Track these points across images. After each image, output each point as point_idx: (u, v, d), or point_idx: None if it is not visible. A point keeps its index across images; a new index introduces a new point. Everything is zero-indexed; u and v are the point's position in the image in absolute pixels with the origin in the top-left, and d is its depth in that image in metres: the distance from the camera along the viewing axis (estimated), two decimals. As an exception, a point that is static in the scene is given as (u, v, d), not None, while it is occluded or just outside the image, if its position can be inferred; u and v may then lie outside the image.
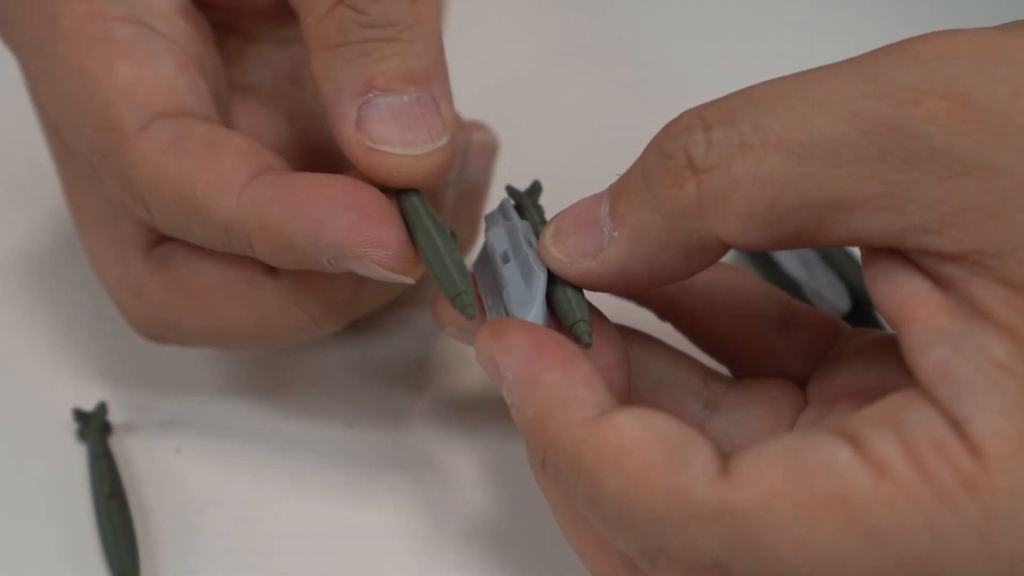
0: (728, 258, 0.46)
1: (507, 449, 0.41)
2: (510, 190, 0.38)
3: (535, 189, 0.39)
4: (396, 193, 0.35)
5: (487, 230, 0.36)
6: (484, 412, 0.42)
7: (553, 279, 0.34)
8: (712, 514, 0.28)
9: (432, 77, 0.35)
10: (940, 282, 0.29)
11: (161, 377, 0.43)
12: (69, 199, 0.40)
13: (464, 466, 0.40)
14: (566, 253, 0.33)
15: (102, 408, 0.41)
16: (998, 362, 0.28)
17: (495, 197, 0.41)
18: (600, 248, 0.32)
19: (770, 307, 0.37)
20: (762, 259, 0.46)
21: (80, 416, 0.41)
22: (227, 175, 0.34)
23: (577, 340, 0.33)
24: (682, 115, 0.31)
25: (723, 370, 0.37)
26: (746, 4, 0.57)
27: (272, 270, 0.37)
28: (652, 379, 0.36)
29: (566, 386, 0.31)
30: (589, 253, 0.32)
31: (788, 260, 0.44)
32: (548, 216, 0.36)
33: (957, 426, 0.28)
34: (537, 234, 0.36)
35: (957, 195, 0.28)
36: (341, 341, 0.43)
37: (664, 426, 0.30)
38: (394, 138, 0.34)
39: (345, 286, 0.37)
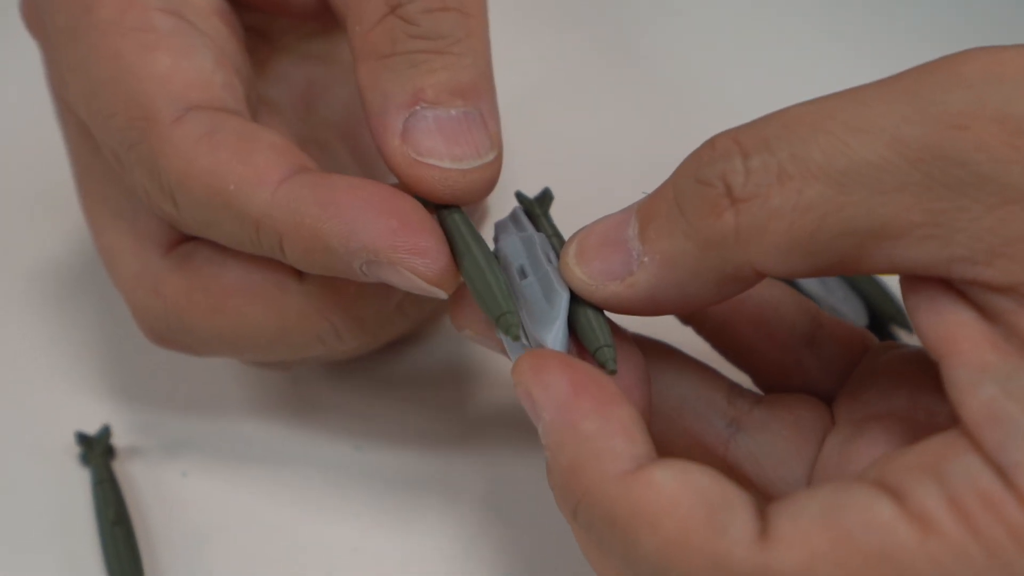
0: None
1: (518, 474, 0.40)
2: (520, 197, 0.37)
3: (546, 198, 0.38)
4: (436, 208, 0.34)
5: (498, 239, 0.35)
6: (494, 434, 0.41)
7: (574, 298, 0.33)
8: None
9: (481, 92, 0.35)
10: (987, 313, 0.28)
11: (166, 399, 0.42)
12: (85, 197, 0.39)
13: (474, 490, 0.40)
14: (591, 275, 0.32)
15: (106, 431, 0.40)
16: None
17: (497, 209, 0.40)
18: (628, 272, 0.31)
19: (799, 318, 0.36)
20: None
21: (83, 440, 0.40)
22: (262, 170, 0.33)
23: (601, 366, 0.32)
24: (716, 139, 0.30)
25: (745, 380, 0.37)
26: (768, 15, 0.57)
27: (299, 274, 0.36)
28: (676, 396, 0.35)
29: (603, 436, 0.30)
30: (616, 276, 0.31)
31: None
32: (560, 228, 0.35)
33: (1004, 474, 0.27)
34: (554, 247, 0.35)
35: (1008, 224, 0.27)
36: (349, 364, 0.43)
37: (703, 483, 0.29)
38: (441, 151, 0.34)
39: (372, 300, 0.36)
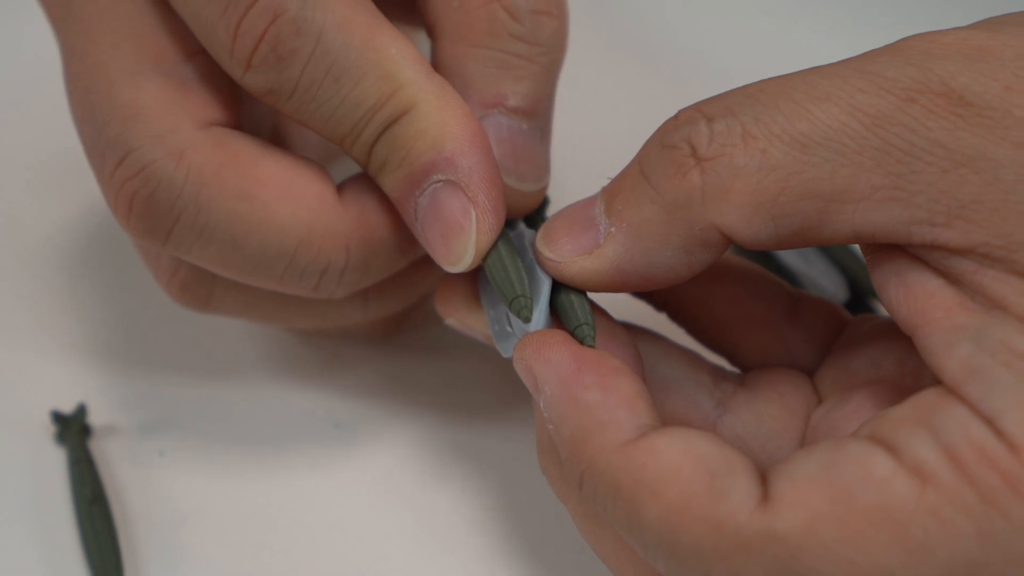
0: (729, 251, 0.46)
1: (501, 450, 0.40)
2: None
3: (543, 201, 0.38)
4: None
5: None
6: (477, 412, 0.41)
7: (558, 286, 0.33)
8: (757, 543, 0.28)
9: (548, 111, 0.35)
10: (950, 278, 0.29)
11: (142, 377, 0.42)
12: (89, 51, 0.35)
13: (456, 466, 0.40)
14: (559, 253, 0.32)
15: (81, 410, 0.40)
16: (1021, 354, 0.27)
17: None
18: (596, 245, 0.32)
19: (776, 292, 0.36)
20: (760, 251, 0.45)
21: (58, 418, 0.40)
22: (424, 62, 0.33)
23: (580, 343, 0.32)
24: (680, 112, 0.31)
25: (727, 367, 0.37)
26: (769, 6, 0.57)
27: (339, 194, 0.35)
28: (664, 378, 0.35)
29: (605, 407, 0.30)
30: (584, 251, 0.32)
31: (785, 251, 0.44)
32: None
33: (992, 424, 0.27)
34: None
35: (961, 187, 0.28)
36: (330, 339, 0.42)
37: (704, 449, 0.29)
38: (508, 166, 0.34)
39: (391, 251, 0.35)
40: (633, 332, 0.35)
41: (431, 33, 0.36)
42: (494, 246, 0.33)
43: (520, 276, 0.33)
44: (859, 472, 0.27)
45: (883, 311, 0.43)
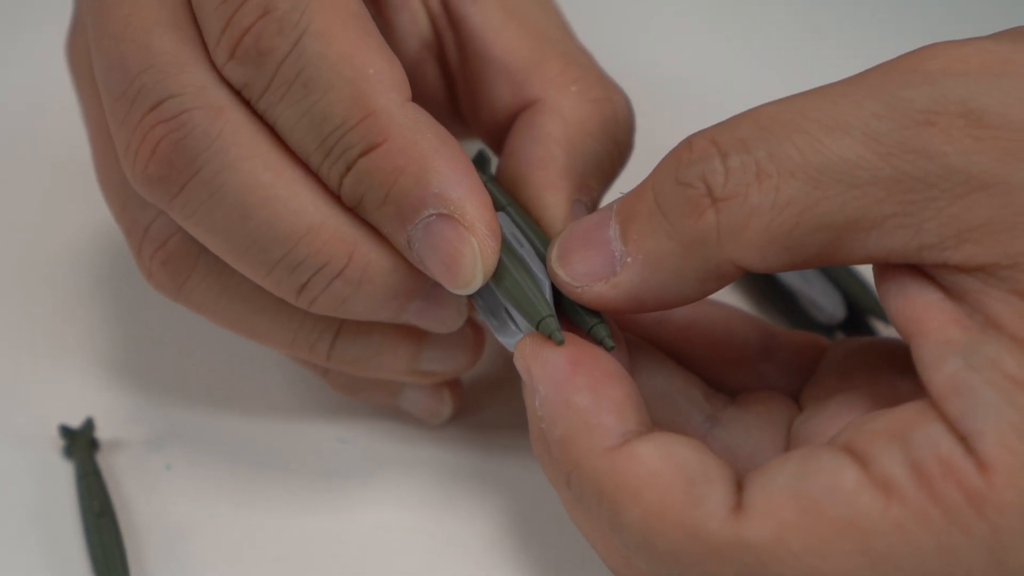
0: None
1: (505, 461, 0.40)
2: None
3: (482, 159, 0.38)
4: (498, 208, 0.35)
5: None
6: (480, 422, 0.41)
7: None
8: (728, 550, 0.29)
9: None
10: (953, 294, 0.29)
11: (149, 392, 0.42)
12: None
13: (460, 480, 0.40)
14: (575, 277, 0.33)
15: (89, 424, 0.40)
16: (1009, 375, 0.28)
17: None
18: (612, 272, 0.32)
19: (750, 333, 0.37)
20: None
21: (67, 433, 0.40)
22: (400, 77, 0.33)
23: (599, 343, 0.33)
24: (693, 140, 0.31)
25: None
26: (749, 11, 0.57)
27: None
28: (657, 390, 0.36)
29: (594, 412, 0.31)
30: (600, 278, 0.32)
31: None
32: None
33: (965, 442, 0.28)
34: (515, 222, 0.35)
35: (973, 211, 0.28)
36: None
37: (683, 456, 0.30)
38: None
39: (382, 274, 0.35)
40: (629, 343, 0.36)
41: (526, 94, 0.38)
42: (500, 264, 0.33)
43: (539, 295, 0.33)
44: (828, 484, 0.28)
45: (882, 331, 0.44)
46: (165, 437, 0.41)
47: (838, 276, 0.44)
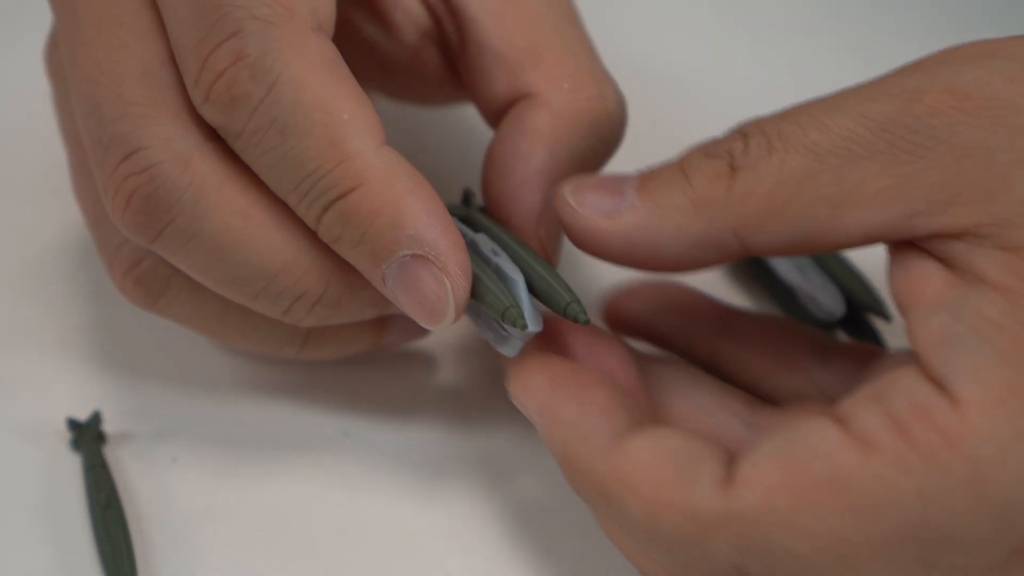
0: (720, 267, 0.47)
1: (508, 453, 0.41)
2: (450, 209, 0.37)
3: (469, 197, 0.39)
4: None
5: None
6: (483, 415, 0.42)
7: (530, 267, 0.35)
8: (721, 523, 0.29)
9: None
10: (947, 262, 0.31)
11: (155, 386, 0.43)
12: (95, 46, 0.35)
13: (464, 471, 0.40)
14: (580, 204, 0.34)
15: (96, 417, 0.40)
16: (990, 320, 0.29)
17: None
18: (616, 211, 0.34)
19: (805, 341, 0.38)
20: (758, 266, 0.46)
21: (74, 426, 0.40)
22: (375, 125, 0.34)
23: (574, 320, 0.34)
24: (725, 133, 0.34)
25: None
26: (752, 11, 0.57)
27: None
28: (693, 403, 0.37)
29: (583, 419, 0.32)
30: (604, 212, 0.34)
31: (783, 266, 0.45)
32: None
33: (940, 385, 0.29)
34: (495, 238, 0.36)
35: (959, 176, 0.30)
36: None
37: (671, 443, 0.31)
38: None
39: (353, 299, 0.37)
40: (666, 362, 0.37)
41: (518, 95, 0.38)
42: (476, 280, 0.34)
43: (501, 288, 0.34)
44: (810, 446, 0.29)
45: (881, 329, 0.44)
46: (171, 430, 0.41)
47: (837, 273, 0.44)
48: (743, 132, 0.33)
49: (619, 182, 0.34)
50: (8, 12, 0.56)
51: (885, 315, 0.43)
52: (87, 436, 0.40)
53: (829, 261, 0.44)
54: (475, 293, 0.34)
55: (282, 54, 0.33)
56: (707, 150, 0.33)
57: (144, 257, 0.37)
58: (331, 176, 0.33)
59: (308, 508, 0.39)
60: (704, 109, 0.54)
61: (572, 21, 0.40)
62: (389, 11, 0.41)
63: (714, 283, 0.47)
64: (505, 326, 0.35)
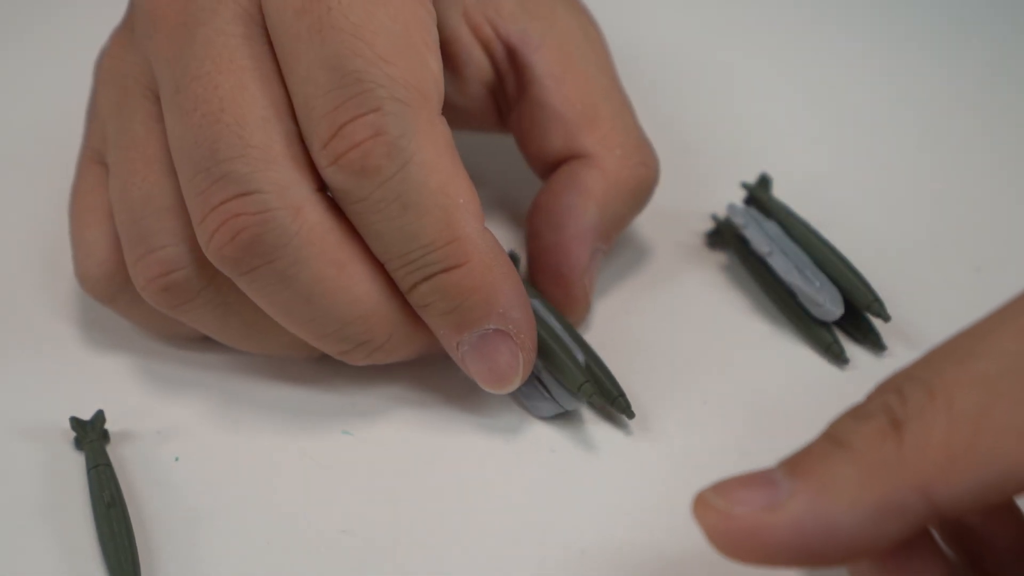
0: (720, 267, 0.47)
1: (510, 454, 0.41)
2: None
3: (514, 259, 0.44)
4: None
5: None
6: (487, 414, 0.42)
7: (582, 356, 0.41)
8: None
9: None
10: None
11: (158, 385, 0.43)
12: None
13: (465, 470, 0.40)
14: (734, 504, 0.30)
15: (100, 416, 0.41)
16: None
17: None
18: (776, 502, 0.29)
19: None
20: (756, 266, 0.46)
21: (77, 425, 0.41)
22: (476, 204, 0.38)
23: (622, 413, 0.40)
24: (870, 392, 0.31)
25: None
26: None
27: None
28: None
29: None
30: (763, 507, 0.30)
31: (782, 266, 0.45)
32: None
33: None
34: (548, 307, 0.42)
35: None
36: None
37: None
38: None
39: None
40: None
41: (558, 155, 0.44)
42: (541, 342, 0.40)
43: (576, 362, 0.40)
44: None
45: (879, 329, 0.44)
46: (173, 429, 0.41)
47: (837, 273, 0.44)
48: (893, 386, 0.30)
49: (764, 474, 0.30)
50: (8, 12, 0.57)
51: (884, 315, 0.43)
52: (90, 435, 0.40)
53: (828, 261, 0.44)
54: (551, 362, 0.40)
55: (416, 137, 0.36)
56: (856, 413, 0.30)
57: (181, 267, 0.39)
58: (440, 252, 0.37)
59: (310, 507, 0.39)
60: (705, 109, 0.54)
61: (619, 87, 0.45)
62: (463, 66, 0.45)
63: (714, 283, 0.47)
64: (550, 389, 0.40)
